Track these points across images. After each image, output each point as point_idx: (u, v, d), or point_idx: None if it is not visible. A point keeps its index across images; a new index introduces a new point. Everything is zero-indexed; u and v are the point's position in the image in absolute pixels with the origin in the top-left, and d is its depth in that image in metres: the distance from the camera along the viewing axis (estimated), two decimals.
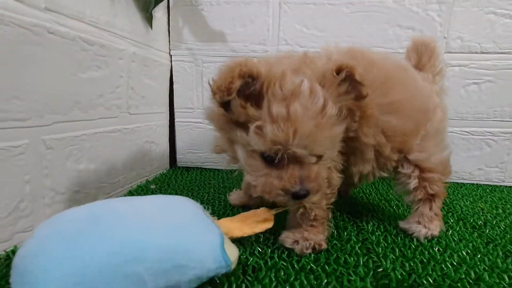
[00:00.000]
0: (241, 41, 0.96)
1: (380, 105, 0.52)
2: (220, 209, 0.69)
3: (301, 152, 0.41)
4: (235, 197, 0.72)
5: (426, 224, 0.57)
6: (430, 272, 0.46)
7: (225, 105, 0.43)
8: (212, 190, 0.83)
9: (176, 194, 0.79)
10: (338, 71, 0.43)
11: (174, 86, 1.02)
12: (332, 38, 0.93)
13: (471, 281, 0.44)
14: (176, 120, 1.05)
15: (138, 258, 0.33)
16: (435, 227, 0.57)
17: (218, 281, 0.41)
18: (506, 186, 0.94)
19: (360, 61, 0.51)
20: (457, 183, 0.96)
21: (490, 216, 0.70)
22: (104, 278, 0.30)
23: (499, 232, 0.61)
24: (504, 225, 0.65)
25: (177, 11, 0.97)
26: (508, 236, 0.59)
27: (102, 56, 0.68)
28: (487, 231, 0.61)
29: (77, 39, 0.60)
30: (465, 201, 0.80)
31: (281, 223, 0.56)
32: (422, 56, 0.65)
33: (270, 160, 0.43)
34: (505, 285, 0.43)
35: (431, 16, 0.88)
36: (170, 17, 0.97)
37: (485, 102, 0.91)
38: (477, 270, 0.46)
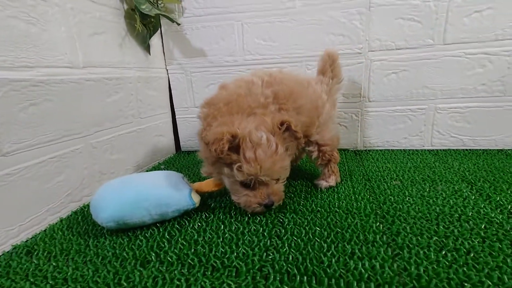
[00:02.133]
0: (217, 54, 1.28)
1: (294, 108, 0.84)
2: (201, 179, 1.05)
3: (265, 178, 0.67)
4: (205, 170, 1.04)
5: (327, 179, 0.90)
6: (322, 203, 0.79)
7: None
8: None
9: (178, 170, 1.16)
10: (281, 124, 0.69)
11: (172, 92, 1.37)
12: (283, 47, 1.22)
13: (335, 207, 0.77)
14: (177, 117, 1.41)
15: (147, 199, 0.70)
16: (332, 181, 0.90)
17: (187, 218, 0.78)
18: (425, 150, 1.22)
19: (275, 80, 0.82)
20: (389, 149, 1.26)
21: (386, 172, 1.01)
22: (131, 207, 0.68)
23: (381, 182, 0.93)
24: (389, 177, 0.96)
25: (168, 36, 1.30)
26: (383, 184, 0.91)
27: (118, 85, 1.03)
28: (373, 181, 0.93)
29: (101, 79, 0.96)
30: (380, 163, 1.10)
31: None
32: (325, 63, 0.94)
33: (247, 185, 0.69)
34: (353, 209, 0.76)
35: (355, 25, 1.15)
36: (163, 42, 1.30)
37: (403, 86, 1.17)
38: (341, 203, 0.80)
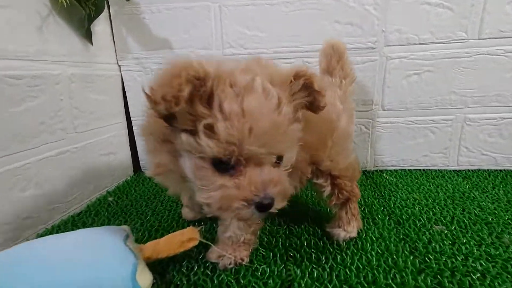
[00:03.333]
0: (187, 47, 0.97)
1: None
2: (166, 220, 0.74)
3: (258, 151, 0.37)
4: (187, 211, 0.73)
5: (345, 226, 0.62)
6: (334, 278, 0.51)
7: (168, 115, 0.38)
8: (166, 198, 0.88)
9: (132, 205, 0.84)
10: (296, 77, 0.42)
11: (127, 96, 1.04)
12: (274, 38, 0.93)
13: (365, 285, 0.49)
14: (134, 128, 1.07)
15: None
16: (353, 229, 0.62)
17: None
18: (449, 170, 0.98)
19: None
20: (405, 170, 1.01)
21: (418, 208, 0.75)
22: None
23: (417, 226, 0.66)
24: (425, 218, 0.70)
25: (120, 22, 0.97)
26: (423, 230, 0.64)
27: (36, 86, 0.69)
28: (407, 226, 0.66)
29: (3, 78, 0.62)
30: (403, 192, 0.85)
31: (213, 237, 0.61)
32: (331, 59, 0.67)
33: (224, 167, 0.39)
34: (393, 284, 0.49)
35: (368, 10, 0.88)
36: (113, 28, 0.97)
37: (426, 91, 0.93)
38: (375, 272, 0.52)
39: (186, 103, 0.36)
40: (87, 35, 0.85)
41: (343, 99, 0.64)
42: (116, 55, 1.00)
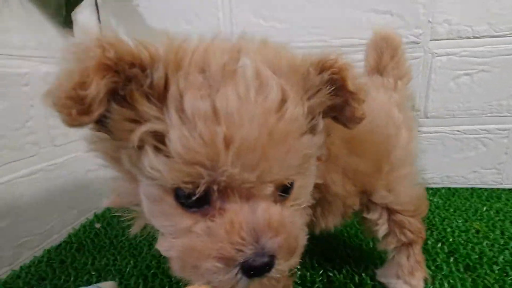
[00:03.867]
0: None
1: (344, 141, 0.39)
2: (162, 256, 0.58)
3: (243, 176, 0.24)
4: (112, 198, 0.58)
5: (407, 278, 0.47)
6: None
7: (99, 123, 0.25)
8: None
9: (123, 234, 0.68)
10: (318, 68, 0.28)
11: None
12: (295, 31, 0.79)
13: None
14: None
15: None
16: (418, 282, 0.47)
17: None
18: (504, 189, 0.83)
19: None
20: (449, 188, 0.86)
21: (486, 244, 0.59)
22: None
23: (495, 272, 0.50)
24: (502, 260, 0.54)
25: (108, 9, 0.81)
26: (508, 281, 0.48)
27: None
28: (483, 273, 0.50)
29: None
30: (457, 219, 0.69)
31: None
32: (382, 55, 0.52)
33: (190, 202, 0.25)
34: None
35: None
36: (100, 17, 0.81)
37: (479, 95, 0.79)
38: None
39: (106, 105, 0.23)
40: (66, 24, 0.69)
41: (401, 107, 0.48)
42: None
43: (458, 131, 0.82)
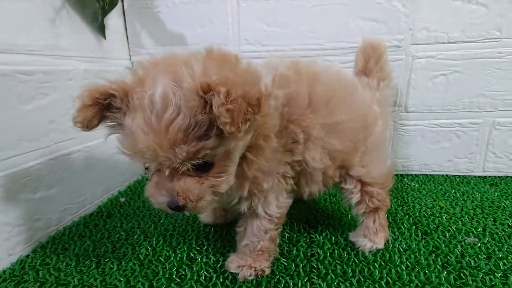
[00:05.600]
0: (202, 42, 0.93)
1: (325, 125, 0.51)
2: (181, 224, 0.71)
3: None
4: (205, 214, 0.70)
5: (371, 237, 0.59)
6: None
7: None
8: None
9: (144, 206, 0.81)
10: (204, 91, 0.35)
11: None
12: (294, 35, 0.89)
13: None
14: None
15: None
16: (380, 240, 0.59)
17: None
18: (475, 176, 0.93)
19: (305, 76, 0.50)
20: (427, 174, 0.96)
21: (445, 217, 0.70)
22: None
23: (447, 237, 0.62)
24: (455, 228, 0.66)
25: (133, 16, 0.93)
26: (453, 243, 0.60)
27: (47, 83, 0.67)
28: (436, 237, 0.63)
29: (13, 73, 0.59)
30: (427, 198, 0.80)
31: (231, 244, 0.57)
32: (369, 60, 0.63)
33: (151, 171, 0.41)
34: None
35: (396, 7, 0.83)
36: (126, 22, 0.94)
37: (453, 93, 0.88)
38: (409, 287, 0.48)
39: (96, 123, 0.41)
40: (101, 29, 0.82)
41: (380, 103, 0.60)
42: (129, 50, 0.97)
43: (435, 124, 0.92)
